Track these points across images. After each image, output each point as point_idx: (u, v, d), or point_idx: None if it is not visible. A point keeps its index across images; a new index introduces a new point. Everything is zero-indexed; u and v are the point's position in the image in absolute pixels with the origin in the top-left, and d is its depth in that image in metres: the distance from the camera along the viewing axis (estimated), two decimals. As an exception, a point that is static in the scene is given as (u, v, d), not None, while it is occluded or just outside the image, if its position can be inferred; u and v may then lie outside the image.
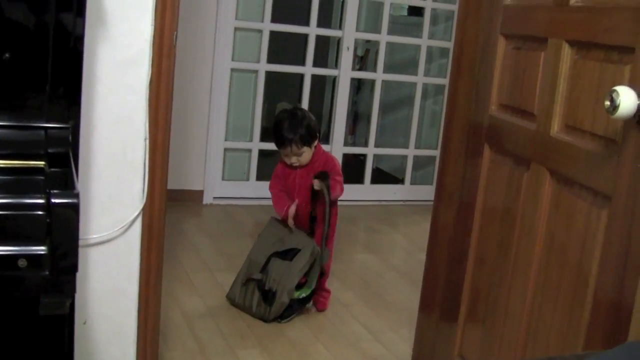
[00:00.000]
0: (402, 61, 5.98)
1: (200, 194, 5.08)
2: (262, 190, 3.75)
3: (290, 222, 3.34)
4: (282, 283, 3.23)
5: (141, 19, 2.10)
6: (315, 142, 3.35)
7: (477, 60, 2.39)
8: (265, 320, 3.24)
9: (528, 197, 2.06)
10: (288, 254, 3.30)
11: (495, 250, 2.24)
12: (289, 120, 3.31)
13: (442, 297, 2.57)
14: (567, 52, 1.91)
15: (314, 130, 3.33)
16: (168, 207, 2.39)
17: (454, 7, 5.17)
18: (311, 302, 3.41)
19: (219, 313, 3.31)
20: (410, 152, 5.68)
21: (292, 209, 3.33)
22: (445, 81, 5.37)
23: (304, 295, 3.30)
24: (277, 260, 3.30)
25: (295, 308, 3.31)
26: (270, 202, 3.49)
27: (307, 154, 3.32)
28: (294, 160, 3.32)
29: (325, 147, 3.68)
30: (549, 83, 1.97)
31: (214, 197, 5.11)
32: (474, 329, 2.36)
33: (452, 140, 2.54)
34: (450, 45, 5.20)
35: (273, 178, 3.49)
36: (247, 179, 5.25)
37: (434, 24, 5.66)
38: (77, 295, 1.50)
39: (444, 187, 2.59)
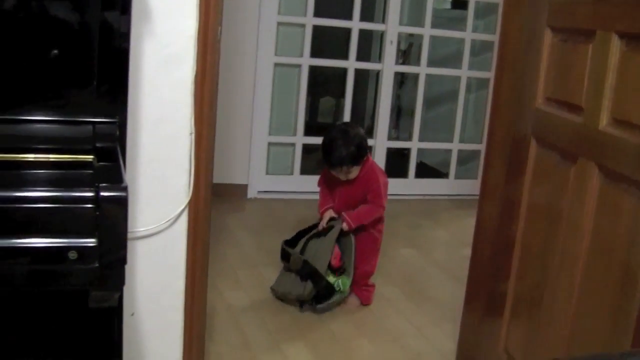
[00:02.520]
0: (446, 55, 5.93)
1: (244, 188, 5.10)
2: (306, 184, 3.75)
3: (323, 223, 3.37)
4: (317, 256, 3.26)
5: (185, 15, 2.12)
6: (365, 158, 3.33)
7: (521, 53, 2.37)
8: (303, 300, 3.26)
9: (574, 193, 2.03)
10: (322, 234, 3.35)
11: (540, 246, 2.21)
12: (341, 140, 3.25)
13: (487, 293, 2.55)
14: (615, 44, 1.88)
15: (364, 149, 3.31)
16: (212, 202, 2.40)
17: (498, 0, 5.12)
18: (354, 295, 3.42)
19: (264, 307, 3.33)
20: (455, 146, 5.64)
21: (327, 215, 3.38)
22: (489, 75, 5.32)
23: (340, 287, 3.31)
24: (312, 241, 3.34)
25: (331, 294, 3.30)
26: (313, 197, 3.50)
27: (356, 170, 3.31)
28: (342, 176, 3.33)
29: (369, 142, 3.65)
30: (596, 76, 1.94)
31: (258, 191, 5.14)
32: (519, 325, 2.34)
33: (497, 135, 2.51)
34: (494, 38, 5.15)
35: (322, 174, 3.51)
36: (291, 174, 5.26)
37: (477, 17, 5.60)
38: (125, 288, 1.52)
39: (488, 182, 2.57)
